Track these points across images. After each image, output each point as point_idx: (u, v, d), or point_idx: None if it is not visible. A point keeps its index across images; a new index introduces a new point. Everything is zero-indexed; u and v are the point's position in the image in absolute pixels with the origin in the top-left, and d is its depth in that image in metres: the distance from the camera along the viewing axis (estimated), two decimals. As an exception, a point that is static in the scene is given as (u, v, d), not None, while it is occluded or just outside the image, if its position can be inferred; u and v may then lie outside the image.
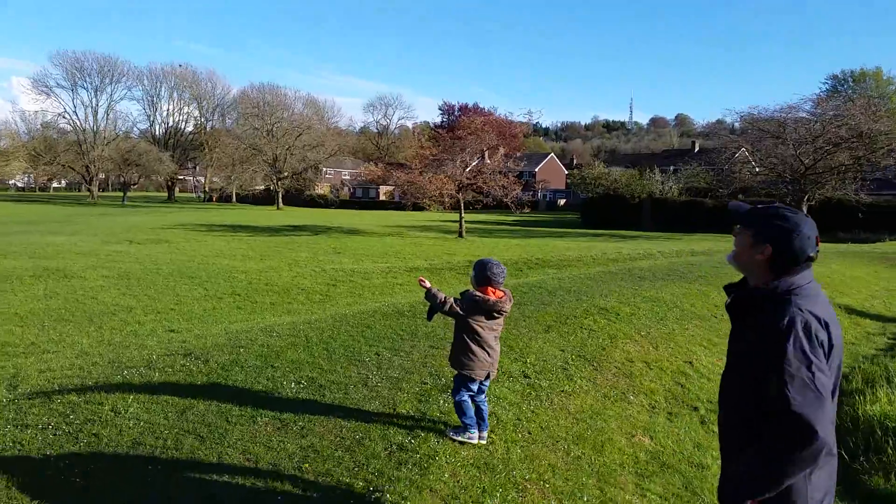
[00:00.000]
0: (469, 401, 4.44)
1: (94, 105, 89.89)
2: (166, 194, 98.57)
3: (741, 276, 2.58)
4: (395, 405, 4.94)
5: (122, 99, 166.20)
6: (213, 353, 6.37)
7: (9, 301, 13.46)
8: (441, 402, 5.07)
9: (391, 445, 4.22)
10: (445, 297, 4.36)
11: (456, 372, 4.49)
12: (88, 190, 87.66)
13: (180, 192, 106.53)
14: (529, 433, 4.88)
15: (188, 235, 31.04)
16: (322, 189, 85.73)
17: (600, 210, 44.78)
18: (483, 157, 34.59)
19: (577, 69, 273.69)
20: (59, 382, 5.71)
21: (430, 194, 30.71)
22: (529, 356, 6.72)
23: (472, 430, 4.43)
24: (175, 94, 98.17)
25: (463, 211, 32.42)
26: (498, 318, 4.47)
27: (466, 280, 17.10)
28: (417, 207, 45.76)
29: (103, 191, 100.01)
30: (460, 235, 31.60)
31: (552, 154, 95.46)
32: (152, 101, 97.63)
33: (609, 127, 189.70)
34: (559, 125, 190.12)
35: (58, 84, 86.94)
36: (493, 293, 4.41)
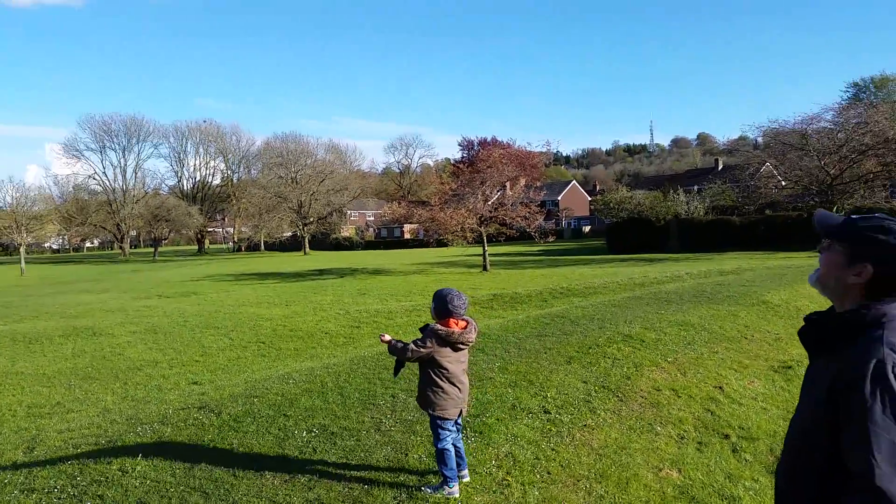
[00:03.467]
0: (452, 449, 4.23)
1: (122, 165, 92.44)
2: (196, 247, 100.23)
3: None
4: (408, 450, 4.78)
5: (149, 157, 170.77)
6: (228, 404, 6.29)
7: (38, 362, 13.60)
8: (455, 444, 4.89)
9: (401, 494, 4.06)
10: (406, 345, 4.19)
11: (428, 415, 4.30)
12: (120, 248, 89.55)
13: (210, 243, 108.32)
14: (549, 473, 4.67)
15: (216, 286, 31.34)
16: (347, 231, 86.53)
17: (625, 234, 44.27)
18: (504, 188, 34.58)
19: (595, 96, 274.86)
20: (76, 442, 5.67)
21: (452, 229, 30.64)
22: (550, 390, 6.52)
23: (453, 484, 4.17)
24: (201, 149, 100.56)
25: (486, 244, 32.30)
26: (464, 349, 4.31)
27: (491, 314, 16.94)
28: (441, 244, 45.74)
29: (135, 247, 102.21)
30: (484, 269, 31.42)
31: (574, 182, 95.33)
32: (179, 157, 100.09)
33: (630, 151, 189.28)
34: (580, 152, 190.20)
35: (87, 147, 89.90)
36: (456, 324, 4.25)
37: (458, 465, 4.28)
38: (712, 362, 8.14)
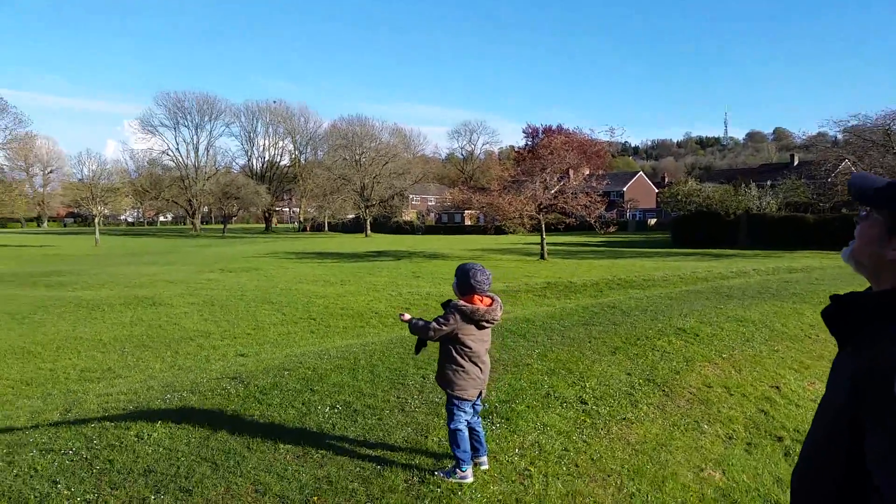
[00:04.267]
0: (465, 430, 3.98)
1: (195, 142, 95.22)
2: (264, 225, 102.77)
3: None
4: (429, 432, 4.57)
5: (221, 135, 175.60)
6: (259, 376, 6.23)
7: (97, 328, 14.07)
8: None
9: (413, 477, 3.85)
10: (428, 323, 3.95)
11: (446, 395, 4.06)
12: (192, 223, 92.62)
13: (278, 222, 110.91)
14: (577, 466, 4.38)
15: (277, 263, 31.93)
16: (409, 216, 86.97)
17: (692, 228, 42.71)
18: (565, 177, 33.82)
19: (669, 85, 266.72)
20: (108, 406, 5.71)
21: (510, 216, 30.22)
22: (590, 380, 6.19)
23: (466, 467, 3.94)
24: (270, 129, 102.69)
25: (544, 232, 31.74)
26: (488, 327, 4.04)
27: (542, 302, 16.57)
28: (501, 231, 45.31)
29: (206, 223, 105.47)
30: (542, 257, 30.92)
31: (641, 172, 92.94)
32: (249, 136, 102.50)
33: (703, 143, 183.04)
34: (649, 143, 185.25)
35: (161, 123, 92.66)
36: (481, 301, 3.99)
37: (476, 449, 4.04)
38: (771, 361, 7.61)
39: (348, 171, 72.11)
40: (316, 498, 3.55)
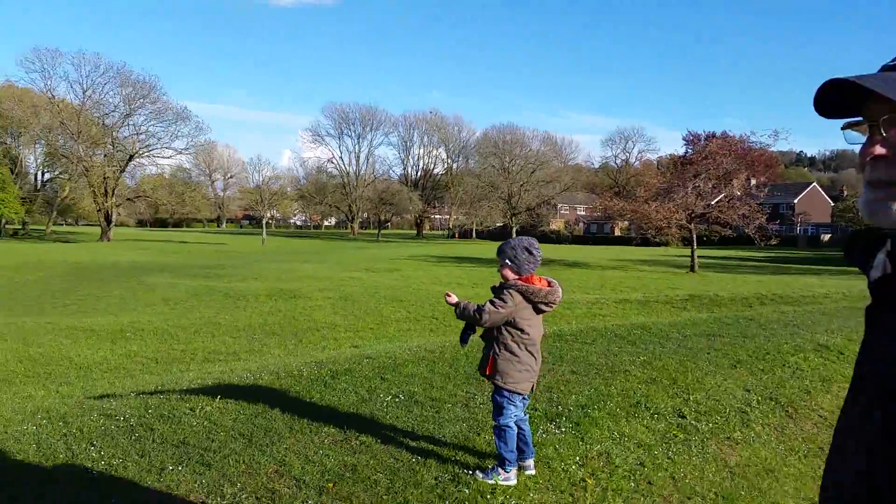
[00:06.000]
0: (514, 427, 3.49)
1: (356, 150, 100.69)
2: (415, 231, 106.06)
3: None
4: (483, 429, 4.16)
5: (380, 144, 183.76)
6: (339, 361, 6.13)
7: (236, 316, 14.95)
8: (540, 432, 4.16)
9: (444, 475, 3.46)
10: (480, 307, 3.47)
11: (493, 387, 3.57)
12: (350, 227, 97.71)
13: (430, 229, 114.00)
14: (650, 483, 3.76)
15: (418, 265, 32.58)
16: (556, 225, 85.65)
17: (873, 245, 37.88)
18: (724, 184, 31.30)
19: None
20: (194, 382, 5.86)
21: (657, 224, 28.55)
22: (696, 393, 5.43)
23: (510, 468, 3.45)
24: (426, 139, 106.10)
25: (695, 243, 29.63)
26: (546, 311, 3.54)
27: (681, 315, 15.33)
28: (651, 243, 43.05)
29: (364, 228, 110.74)
30: (691, 270, 28.87)
31: (814, 184, 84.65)
32: (406, 145, 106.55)
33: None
34: (827, 154, 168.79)
35: (328, 133, 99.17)
36: (539, 281, 3.48)
37: (522, 451, 3.56)
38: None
39: (496, 178, 72.43)
40: (331, 485, 3.28)
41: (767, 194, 34.33)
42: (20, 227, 67.93)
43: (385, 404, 4.67)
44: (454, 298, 3.67)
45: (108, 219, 60.04)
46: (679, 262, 35.25)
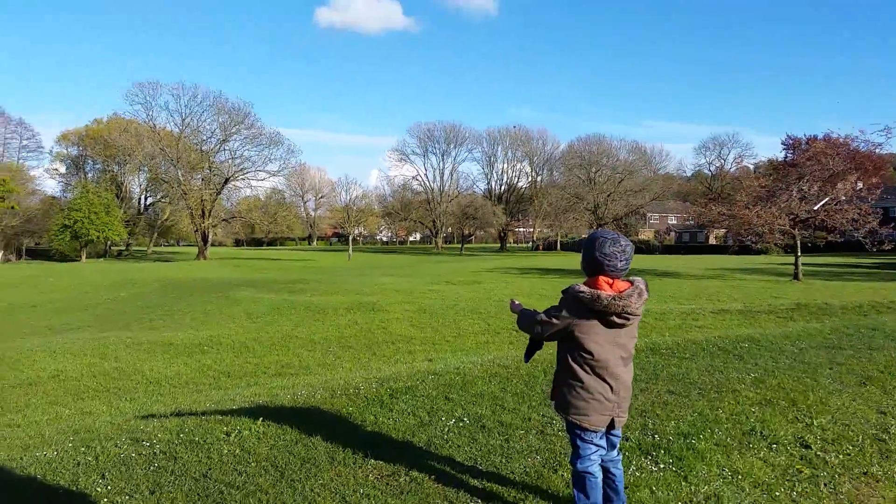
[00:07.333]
0: (598, 473, 2.71)
1: (441, 167, 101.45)
2: (499, 244, 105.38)
3: None
4: (561, 464, 3.43)
5: (464, 160, 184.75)
6: (401, 378, 5.52)
7: (314, 329, 14.71)
8: (633, 469, 3.38)
9: (506, 527, 2.75)
10: (536, 314, 2.80)
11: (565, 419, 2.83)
12: (434, 241, 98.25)
13: (513, 242, 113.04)
14: (775, 538, 2.91)
15: (500, 277, 31.82)
16: (645, 234, 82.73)
17: None
18: (830, 187, 28.84)
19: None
20: (250, 400, 5.40)
21: (758, 230, 26.54)
22: (820, 416, 4.47)
23: None
24: (509, 153, 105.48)
25: (799, 250, 27.38)
26: (623, 324, 2.70)
27: (788, 325, 13.90)
28: (746, 251, 40.43)
29: (448, 243, 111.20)
30: (795, 278, 26.65)
31: (936, 185, 77.84)
32: (489, 160, 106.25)
33: None
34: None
35: (413, 151, 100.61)
36: (610, 285, 2.69)
37: (609, 500, 2.79)
38: None
39: (581, 189, 70.80)
40: (366, 536, 2.65)
41: (877, 197, 31.53)
42: (124, 248, 72.09)
43: (446, 430, 4.01)
44: (518, 304, 2.98)
45: (204, 238, 62.73)
46: (781, 270, 32.85)
